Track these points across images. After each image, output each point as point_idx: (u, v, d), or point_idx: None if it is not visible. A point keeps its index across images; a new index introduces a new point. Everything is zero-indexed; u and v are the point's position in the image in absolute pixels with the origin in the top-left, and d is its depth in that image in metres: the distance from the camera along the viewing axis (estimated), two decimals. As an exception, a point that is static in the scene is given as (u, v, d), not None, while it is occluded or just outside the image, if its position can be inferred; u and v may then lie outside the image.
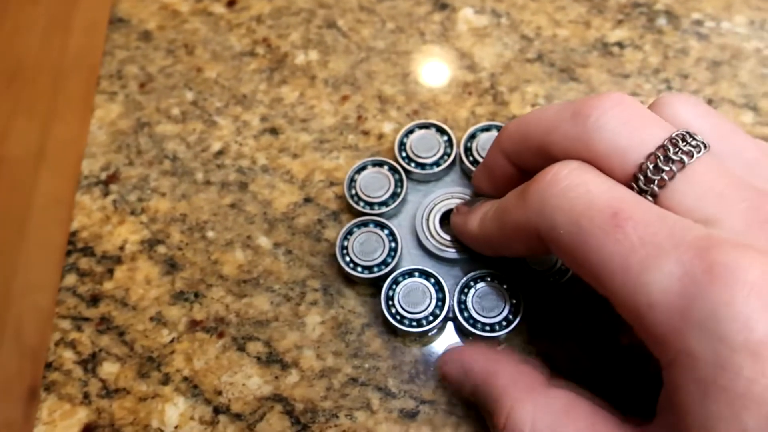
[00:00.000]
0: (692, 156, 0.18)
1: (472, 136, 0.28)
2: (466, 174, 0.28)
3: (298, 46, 0.32)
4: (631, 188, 0.18)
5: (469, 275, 0.25)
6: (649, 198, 0.18)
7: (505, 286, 0.25)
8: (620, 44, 0.31)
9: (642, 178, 0.18)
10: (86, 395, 0.26)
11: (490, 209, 0.22)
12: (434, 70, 0.31)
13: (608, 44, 0.31)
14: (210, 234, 0.28)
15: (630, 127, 0.18)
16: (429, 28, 0.32)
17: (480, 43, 0.31)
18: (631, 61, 0.30)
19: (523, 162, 0.22)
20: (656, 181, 0.18)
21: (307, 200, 0.29)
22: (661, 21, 0.31)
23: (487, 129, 0.28)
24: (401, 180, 0.27)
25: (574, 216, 0.17)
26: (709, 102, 0.29)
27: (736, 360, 0.14)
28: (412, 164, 0.28)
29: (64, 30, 1.27)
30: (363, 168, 0.28)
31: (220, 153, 0.30)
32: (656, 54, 0.30)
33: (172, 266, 0.28)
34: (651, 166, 0.18)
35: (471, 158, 0.27)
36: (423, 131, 0.28)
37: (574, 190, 0.18)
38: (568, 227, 0.18)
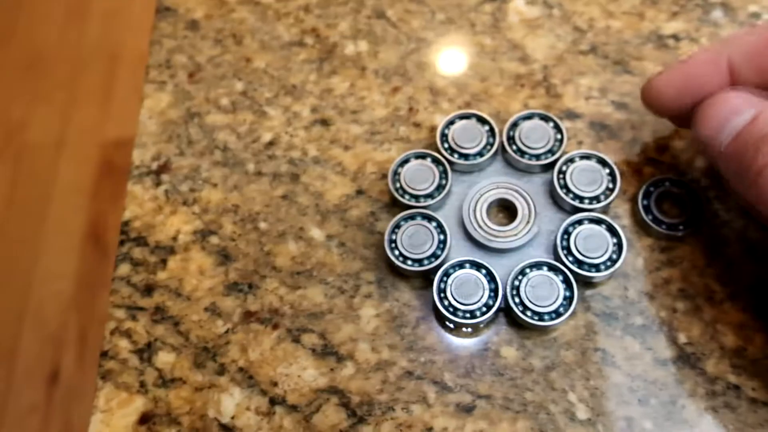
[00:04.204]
0: None
1: (515, 125, 0.28)
2: (510, 163, 0.28)
3: (347, 36, 0.31)
4: None
5: (523, 263, 0.25)
6: None
7: (559, 277, 0.25)
8: (675, 37, 0.30)
9: None
10: (142, 384, 0.26)
11: None
12: (485, 61, 0.31)
13: (663, 36, 0.30)
14: (262, 225, 0.28)
15: None
16: (480, 19, 0.31)
17: (532, 35, 0.31)
18: (687, 53, 0.30)
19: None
20: None
21: (360, 192, 0.28)
22: (717, 13, 0.31)
23: (529, 117, 0.27)
24: (446, 171, 0.27)
25: None
26: None
27: None
28: (455, 155, 0.27)
29: (82, 18, 1.27)
30: (406, 161, 0.28)
31: (271, 144, 0.30)
32: (712, 47, 0.30)
33: (225, 257, 0.28)
34: None
35: (514, 147, 0.27)
36: (464, 122, 0.28)
37: None
38: None
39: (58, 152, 1.17)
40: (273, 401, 0.25)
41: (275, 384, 0.25)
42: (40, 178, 1.15)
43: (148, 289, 0.27)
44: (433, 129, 0.29)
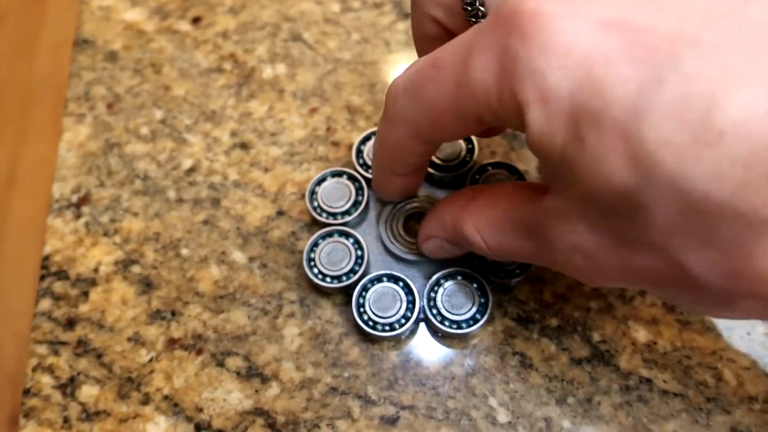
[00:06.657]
0: None
1: None
2: (428, 176, 0.28)
3: (265, 60, 0.32)
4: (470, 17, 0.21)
5: (438, 274, 0.26)
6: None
7: (474, 284, 0.26)
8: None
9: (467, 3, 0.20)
10: (66, 420, 0.25)
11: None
12: (400, 78, 0.31)
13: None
14: (184, 251, 0.28)
15: None
16: (394, 38, 0.32)
17: (444, 51, 0.32)
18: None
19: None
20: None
21: (280, 213, 0.29)
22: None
23: None
24: (362, 188, 0.28)
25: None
26: None
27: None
28: (371, 171, 0.28)
29: (29, 52, 1.25)
30: (323, 180, 0.28)
31: (192, 170, 0.30)
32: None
33: (147, 285, 0.28)
34: None
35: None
36: None
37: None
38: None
39: (10, 188, 1.14)
40: (199, 427, 0.25)
41: (201, 410, 0.25)
42: (-8, 216, 1.12)
43: (70, 323, 0.27)
44: (351, 147, 0.30)
